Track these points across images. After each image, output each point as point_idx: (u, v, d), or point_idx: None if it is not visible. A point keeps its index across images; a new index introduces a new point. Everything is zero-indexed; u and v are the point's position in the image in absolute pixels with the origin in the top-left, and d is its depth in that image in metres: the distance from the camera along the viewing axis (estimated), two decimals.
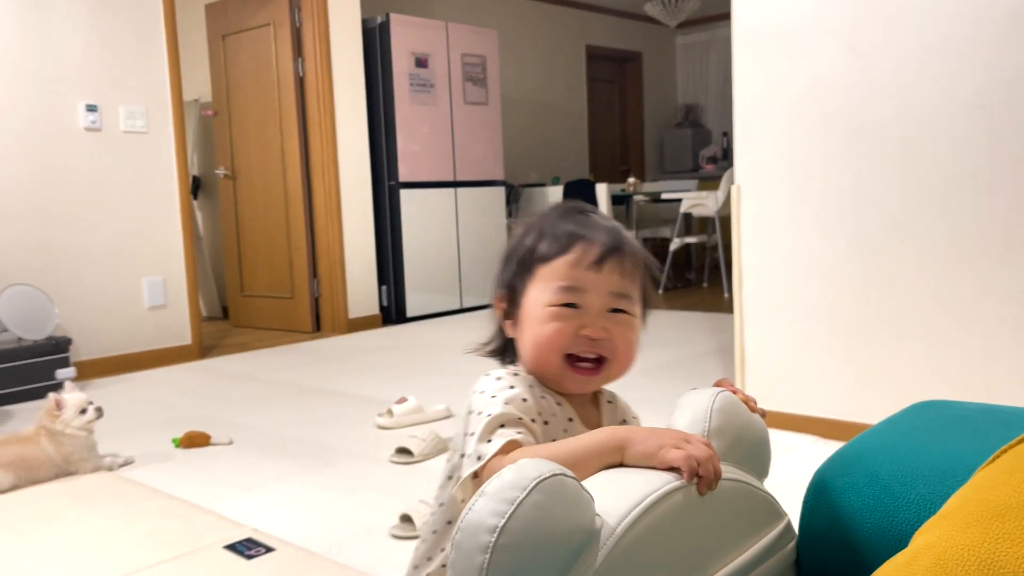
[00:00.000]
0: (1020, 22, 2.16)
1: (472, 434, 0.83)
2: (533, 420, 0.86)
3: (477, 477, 0.81)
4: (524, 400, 0.86)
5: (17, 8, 3.83)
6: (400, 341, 4.78)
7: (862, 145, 2.46)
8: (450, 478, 0.92)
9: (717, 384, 0.91)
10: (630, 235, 0.96)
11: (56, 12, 3.95)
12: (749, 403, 0.88)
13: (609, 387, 1.00)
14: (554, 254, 0.91)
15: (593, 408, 0.97)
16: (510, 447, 0.80)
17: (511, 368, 0.94)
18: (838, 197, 2.52)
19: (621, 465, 0.77)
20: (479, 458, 0.81)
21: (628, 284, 0.92)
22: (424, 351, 4.42)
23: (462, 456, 0.84)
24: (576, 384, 0.91)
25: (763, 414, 0.89)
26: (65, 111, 4.00)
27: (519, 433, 0.82)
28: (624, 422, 0.99)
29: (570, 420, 0.91)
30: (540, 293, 0.91)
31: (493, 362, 1.01)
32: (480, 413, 0.85)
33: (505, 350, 1.00)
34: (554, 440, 0.87)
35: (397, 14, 5.36)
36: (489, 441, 0.81)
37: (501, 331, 0.99)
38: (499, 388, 0.87)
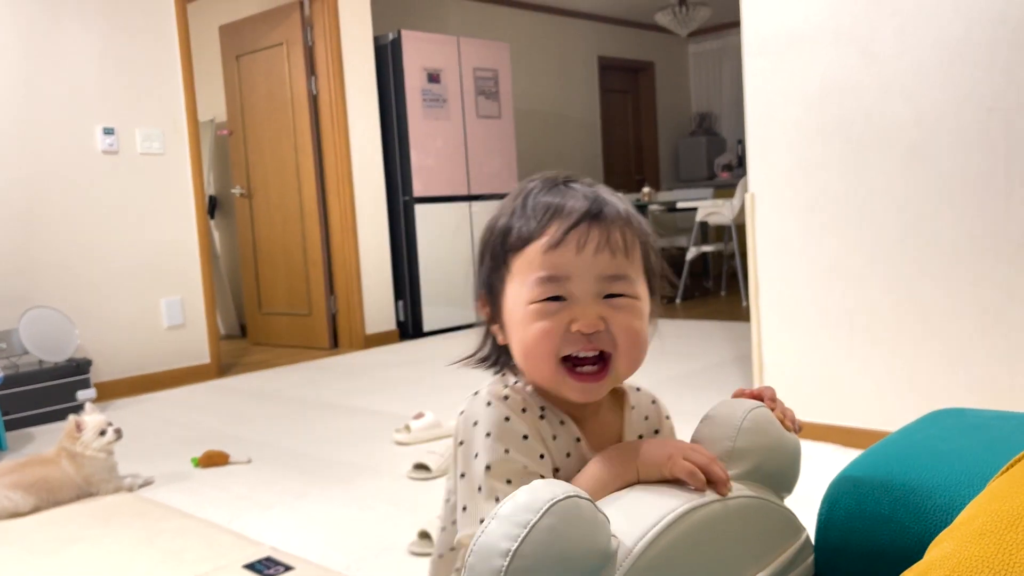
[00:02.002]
0: None
1: (463, 476, 0.74)
2: (542, 456, 0.75)
3: None
4: (524, 437, 0.74)
5: (33, 33, 3.89)
6: (417, 356, 4.78)
7: (877, 150, 2.44)
8: (448, 500, 0.84)
9: (758, 394, 0.84)
10: (619, 198, 0.79)
11: (71, 36, 4.01)
12: (785, 421, 0.83)
13: (639, 386, 0.88)
14: (527, 238, 0.76)
15: (613, 417, 0.83)
16: None
17: (502, 386, 0.78)
18: (854, 202, 2.50)
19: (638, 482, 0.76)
20: (481, 520, 0.68)
21: (621, 261, 0.76)
22: (441, 366, 4.42)
23: (456, 504, 0.75)
24: (579, 393, 0.76)
25: (799, 429, 0.84)
26: (82, 134, 4.05)
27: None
28: (657, 433, 0.87)
29: (577, 440, 0.79)
30: (519, 289, 0.76)
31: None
32: (476, 456, 0.73)
33: (499, 357, 0.86)
34: (557, 469, 0.77)
35: (408, 31, 5.39)
36: (497, 500, 0.70)
37: (490, 337, 0.84)
38: (493, 421, 0.74)
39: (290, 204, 5.33)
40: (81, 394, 3.71)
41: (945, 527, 0.63)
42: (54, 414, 3.60)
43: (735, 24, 3.63)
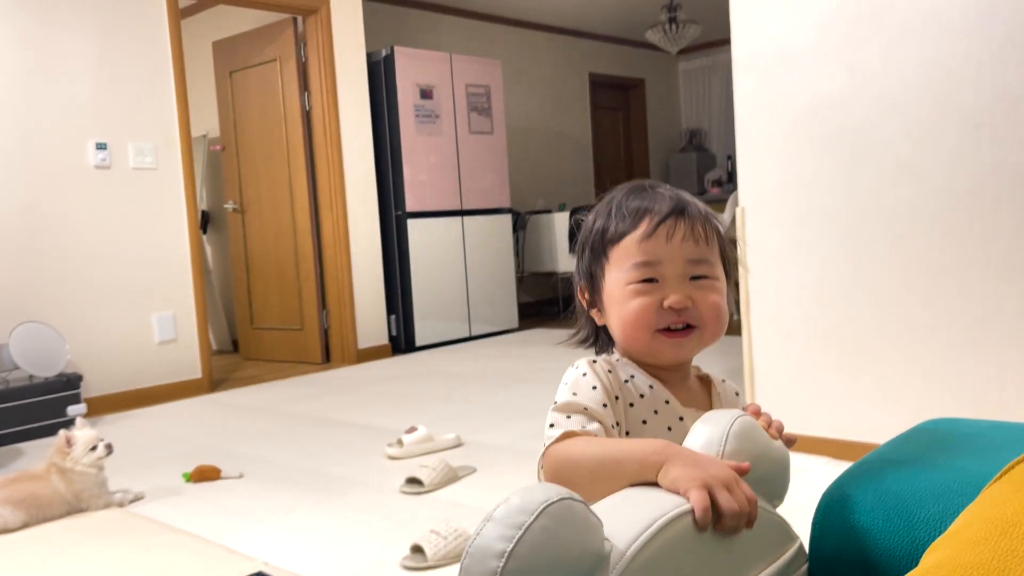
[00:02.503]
0: (1018, 39, 2.17)
1: (550, 414, 0.86)
2: (605, 405, 0.86)
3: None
4: (594, 388, 0.87)
5: (26, 48, 3.90)
6: (409, 370, 4.77)
7: (866, 164, 2.46)
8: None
9: (745, 410, 0.88)
10: (696, 199, 0.95)
11: (65, 51, 4.01)
12: (770, 430, 0.85)
13: (724, 378, 1.00)
14: (623, 233, 0.91)
15: (703, 392, 0.96)
16: (565, 437, 0.82)
17: (599, 357, 0.93)
18: (843, 216, 2.52)
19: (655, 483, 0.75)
20: (544, 443, 0.84)
21: (703, 248, 0.90)
22: (433, 380, 4.42)
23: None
24: (670, 350, 0.90)
25: (791, 440, 0.86)
26: (75, 150, 4.05)
27: (581, 421, 0.84)
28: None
29: (667, 402, 0.90)
30: (618, 274, 0.91)
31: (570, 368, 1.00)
32: (555, 400, 0.87)
33: (597, 338, 1.00)
34: (644, 421, 0.88)
35: (401, 47, 5.42)
36: (552, 426, 0.84)
37: (590, 320, 0.99)
38: (574, 377, 0.89)
39: (283, 219, 5.33)
40: (71, 409, 3.69)
41: (939, 536, 0.64)
42: (44, 429, 3.58)
43: (725, 42, 3.67)
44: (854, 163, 2.48)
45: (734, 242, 1.01)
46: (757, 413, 0.88)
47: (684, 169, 8.97)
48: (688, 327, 0.90)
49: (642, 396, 0.89)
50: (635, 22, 7.72)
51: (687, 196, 0.94)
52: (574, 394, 0.86)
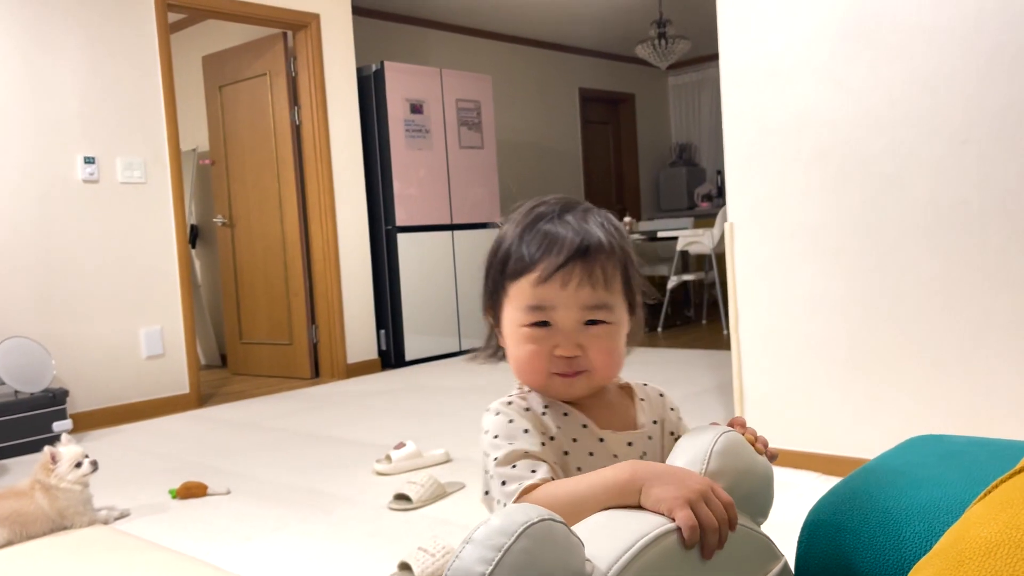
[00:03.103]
0: (1004, 55, 2.19)
1: (488, 474, 0.84)
2: (543, 444, 0.85)
3: None
4: (526, 431, 0.85)
5: (15, 61, 3.89)
6: (399, 385, 4.75)
7: (854, 180, 2.47)
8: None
9: (730, 424, 0.88)
10: (604, 226, 0.91)
11: (54, 65, 4.01)
12: (756, 445, 0.85)
13: (645, 382, 0.98)
14: (520, 271, 0.88)
15: (623, 405, 0.94)
16: (526, 492, 0.79)
17: (507, 396, 0.92)
18: (831, 232, 2.53)
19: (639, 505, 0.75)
20: (499, 503, 0.81)
21: (601, 293, 0.87)
22: (423, 395, 4.40)
23: (486, 494, 0.85)
24: (564, 389, 0.89)
25: (773, 456, 0.86)
26: (63, 164, 4.03)
27: (529, 467, 0.81)
28: (663, 420, 0.95)
29: (584, 427, 0.89)
30: (513, 312, 0.89)
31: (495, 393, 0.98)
32: (488, 456, 0.85)
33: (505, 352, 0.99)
34: (566, 452, 0.86)
35: (392, 62, 5.43)
36: (504, 484, 0.81)
37: (496, 336, 0.97)
38: (500, 425, 0.86)
39: (272, 233, 5.32)
40: (57, 425, 3.66)
41: (924, 554, 0.64)
42: (29, 445, 3.55)
43: (714, 57, 3.69)
44: (842, 178, 2.49)
45: (639, 268, 0.95)
46: (743, 427, 0.88)
47: (674, 183, 9.00)
48: (579, 371, 0.88)
49: (559, 427, 0.88)
50: (625, 37, 7.77)
51: (594, 227, 0.89)
52: (511, 443, 0.84)
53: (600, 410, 0.91)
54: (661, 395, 0.98)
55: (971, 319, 2.29)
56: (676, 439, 0.92)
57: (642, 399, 0.95)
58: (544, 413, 0.89)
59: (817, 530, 0.86)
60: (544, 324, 0.87)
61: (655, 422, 0.94)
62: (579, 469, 0.85)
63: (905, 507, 0.80)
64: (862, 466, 0.92)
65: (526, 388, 0.93)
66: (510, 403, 0.89)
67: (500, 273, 0.92)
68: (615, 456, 0.87)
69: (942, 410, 2.35)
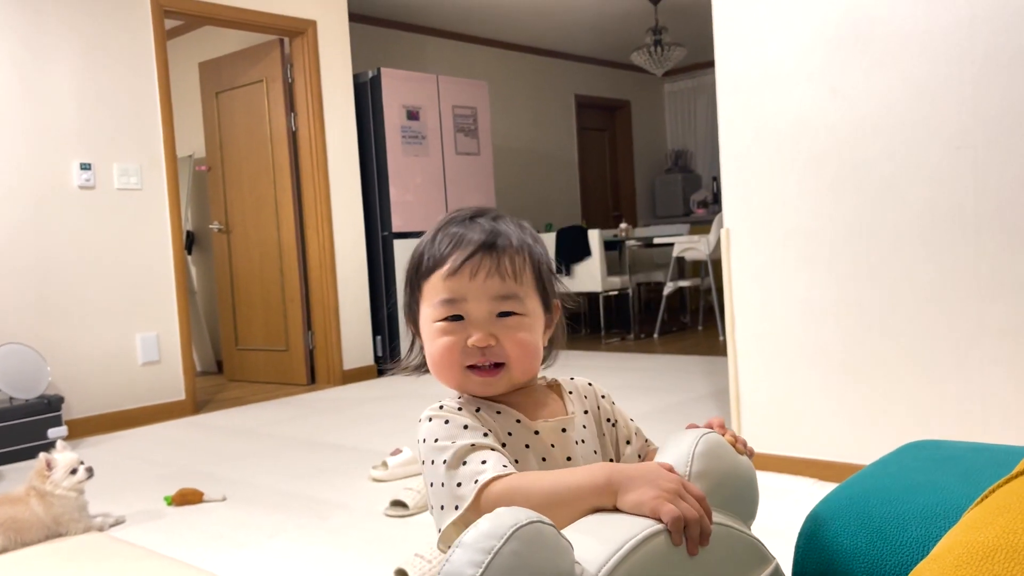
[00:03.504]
0: (998, 61, 2.20)
1: (436, 484, 0.82)
2: (486, 434, 0.84)
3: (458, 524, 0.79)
4: (465, 427, 0.85)
5: (11, 68, 3.89)
6: (395, 391, 4.75)
7: (849, 186, 2.48)
8: (440, 530, 0.90)
9: (708, 424, 0.89)
10: (516, 228, 0.93)
11: (50, 71, 4.00)
12: (736, 444, 0.86)
13: (572, 376, 0.99)
14: (431, 269, 0.91)
15: (552, 399, 0.95)
16: (494, 481, 0.78)
17: (441, 402, 0.92)
18: (827, 238, 2.53)
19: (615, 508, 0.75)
20: (456, 507, 0.79)
21: (510, 285, 0.89)
22: (419, 401, 4.39)
23: (436, 516, 0.82)
24: (480, 387, 0.89)
25: (751, 454, 0.87)
26: (59, 170, 4.03)
27: (483, 463, 0.80)
28: (597, 408, 0.97)
29: (518, 422, 0.89)
30: (428, 310, 0.91)
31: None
32: (434, 463, 0.83)
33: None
34: (504, 445, 0.86)
35: (388, 68, 5.44)
36: (459, 485, 0.79)
37: (419, 347, 0.98)
38: (437, 429, 0.85)
39: (268, 240, 5.32)
40: (52, 432, 3.65)
41: (921, 559, 0.64)
42: (25, 452, 3.54)
43: (710, 64, 3.70)
44: (838, 184, 2.50)
45: (552, 269, 0.97)
46: (721, 427, 0.88)
47: (670, 190, 9.02)
48: (496, 365, 0.89)
49: (495, 422, 0.88)
50: (621, 44, 7.79)
51: (504, 227, 0.92)
52: (453, 441, 0.83)
53: (530, 405, 0.92)
54: (590, 384, 1.00)
55: (966, 325, 2.30)
56: (614, 424, 0.97)
57: (570, 392, 0.97)
58: (479, 410, 0.89)
59: (813, 536, 0.86)
60: (457, 318, 0.88)
61: (586, 412, 0.95)
62: (516, 462, 0.85)
63: (901, 513, 0.80)
64: (858, 472, 0.93)
65: (456, 395, 0.93)
66: (442, 407, 0.89)
67: (415, 274, 0.94)
68: (552, 446, 0.88)
69: (937, 415, 2.36)
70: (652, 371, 4.71)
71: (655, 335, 6.39)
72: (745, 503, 0.82)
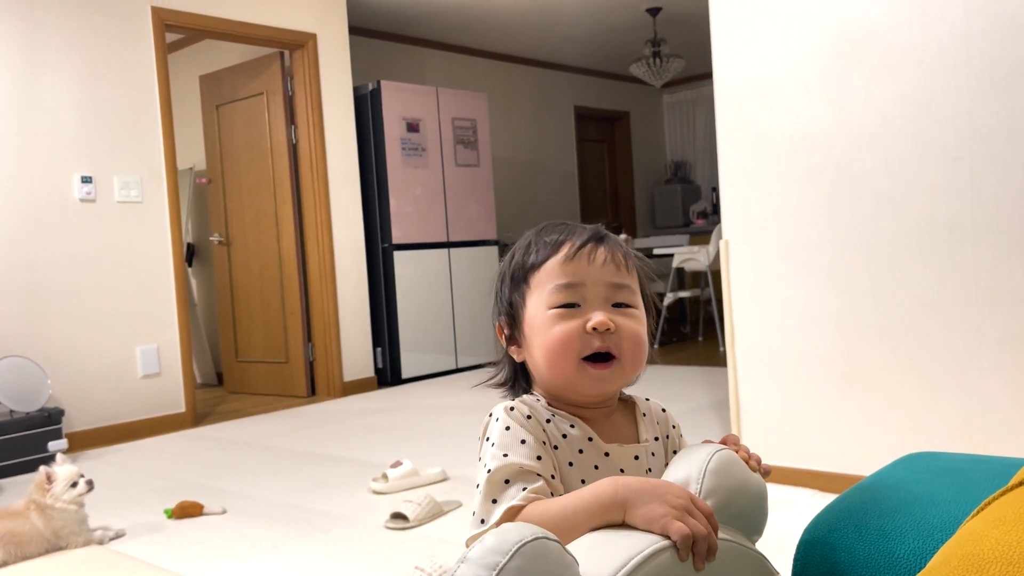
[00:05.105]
0: (995, 73, 2.21)
1: (479, 486, 0.83)
2: (539, 457, 0.83)
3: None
4: (523, 442, 0.83)
5: (12, 81, 3.90)
6: (395, 403, 4.75)
7: (848, 197, 2.49)
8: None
9: (723, 441, 0.89)
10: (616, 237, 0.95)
11: (51, 84, 4.02)
12: (750, 462, 0.86)
13: (648, 397, 0.98)
14: (544, 259, 0.90)
15: (626, 420, 0.93)
16: (512, 513, 0.78)
17: (513, 402, 0.89)
18: (826, 248, 2.54)
19: (623, 523, 0.75)
20: (483, 521, 0.80)
21: (624, 274, 0.90)
22: (419, 413, 4.40)
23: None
24: (594, 384, 0.87)
25: (766, 472, 0.86)
26: (60, 183, 4.04)
27: (523, 489, 0.79)
28: (667, 437, 0.95)
29: (590, 440, 0.87)
30: (540, 298, 0.89)
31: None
32: (485, 465, 0.83)
33: (516, 379, 0.97)
34: (570, 463, 0.85)
35: (388, 81, 5.46)
36: (494, 502, 0.80)
37: (509, 359, 0.96)
38: (497, 432, 0.85)
39: (268, 252, 5.32)
40: (52, 445, 3.64)
41: (918, 571, 0.64)
42: (25, 465, 3.53)
43: (708, 75, 3.72)
44: (836, 196, 2.51)
45: (652, 278, 0.99)
46: (736, 444, 0.88)
47: (669, 201, 9.03)
48: (610, 357, 0.87)
49: (564, 437, 0.86)
50: (619, 56, 7.82)
51: (605, 231, 0.95)
52: (504, 455, 0.82)
53: (604, 424, 0.90)
54: (664, 410, 0.99)
55: (965, 335, 2.30)
56: None
57: (644, 414, 0.95)
58: (549, 421, 0.87)
59: (812, 548, 0.86)
60: (573, 306, 0.87)
61: (657, 439, 0.94)
62: (583, 482, 0.84)
63: (900, 525, 0.80)
64: (857, 484, 0.93)
65: (536, 395, 0.91)
66: (512, 408, 0.87)
67: (521, 268, 0.92)
68: (621, 470, 0.87)
69: (936, 426, 2.36)
70: (652, 382, 4.71)
71: (655, 345, 6.39)
72: (752, 520, 0.82)
